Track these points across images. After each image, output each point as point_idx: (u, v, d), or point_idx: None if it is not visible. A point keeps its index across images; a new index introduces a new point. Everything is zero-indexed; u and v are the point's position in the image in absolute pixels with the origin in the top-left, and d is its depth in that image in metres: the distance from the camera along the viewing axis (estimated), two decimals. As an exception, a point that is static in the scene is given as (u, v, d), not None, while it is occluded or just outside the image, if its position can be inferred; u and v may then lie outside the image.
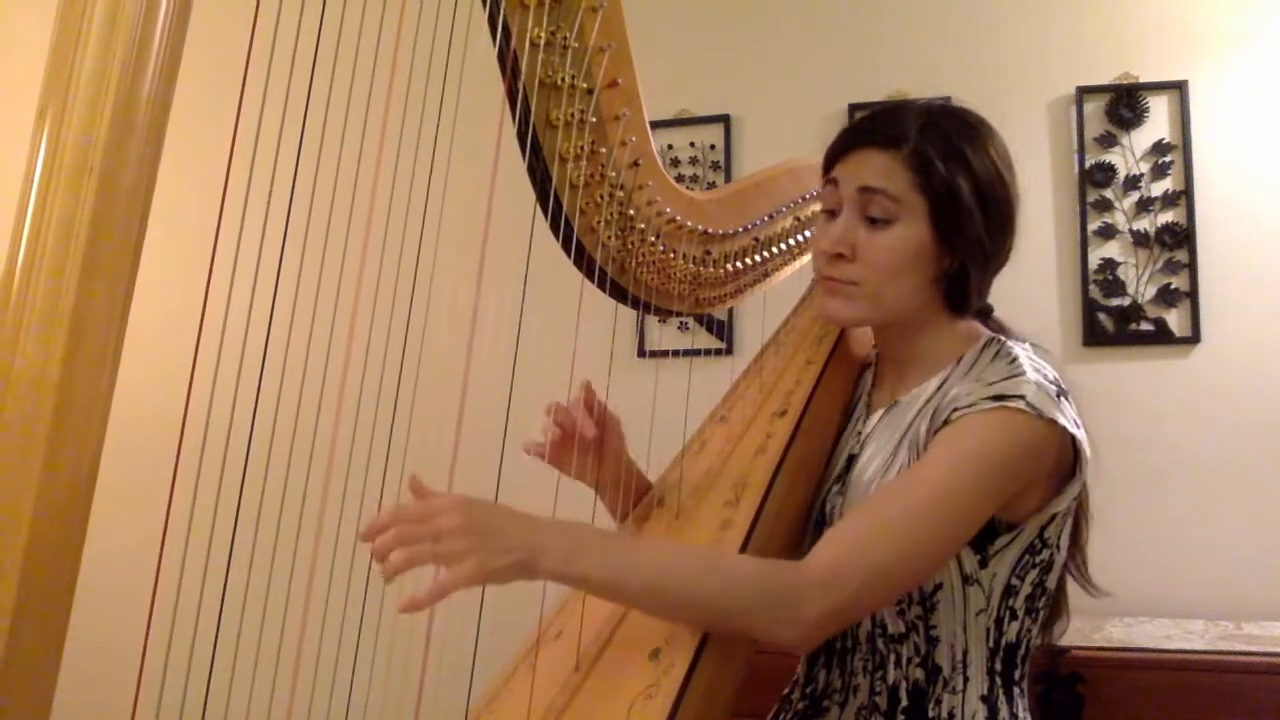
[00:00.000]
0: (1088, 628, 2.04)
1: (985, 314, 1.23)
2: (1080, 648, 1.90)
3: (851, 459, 1.20)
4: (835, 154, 1.17)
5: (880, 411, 1.20)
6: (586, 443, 1.22)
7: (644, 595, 0.96)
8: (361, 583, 0.92)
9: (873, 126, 1.16)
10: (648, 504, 1.28)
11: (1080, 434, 1.04)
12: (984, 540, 1.06)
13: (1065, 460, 1.05)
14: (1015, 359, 1.08)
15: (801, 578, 0.96)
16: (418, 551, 0.87)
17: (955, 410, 1.04)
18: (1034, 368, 1.06)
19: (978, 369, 1.11)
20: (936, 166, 1.10)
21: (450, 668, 1.02)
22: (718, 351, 2.56)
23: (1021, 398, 1.01)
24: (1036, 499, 1.06)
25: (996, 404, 1.02)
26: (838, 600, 0.95)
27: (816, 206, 1.42)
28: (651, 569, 0.96)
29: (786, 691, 1.25)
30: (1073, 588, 1.19)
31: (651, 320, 2.52)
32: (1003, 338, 1.14)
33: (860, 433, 1.22)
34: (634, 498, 1.29)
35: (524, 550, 0.90)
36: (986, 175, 1.12)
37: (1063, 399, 1.04)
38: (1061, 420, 1.01)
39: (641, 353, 2.59)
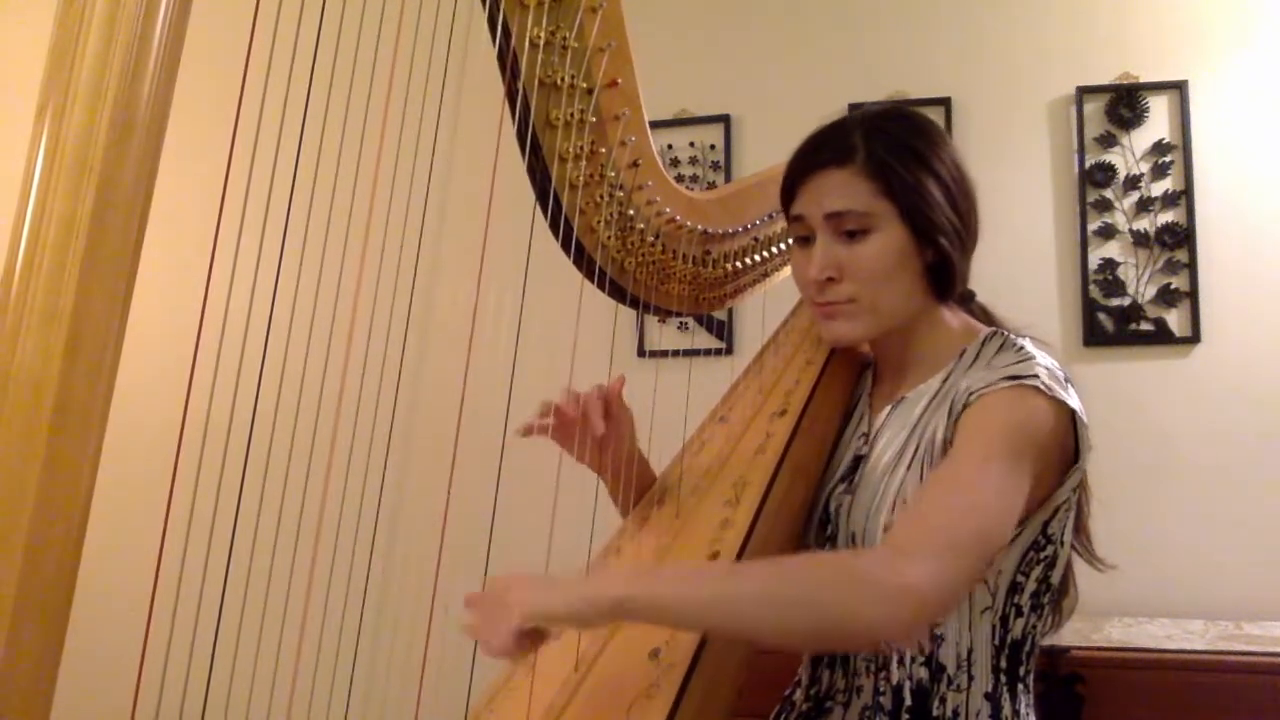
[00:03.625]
0: (1088, 628, 2.04)
1: (967, 299, 1.24)
2: (1080, 648, 1.90)
3: (858, 460, 1.20)
4: (791, 185, 1.17)
5: (887, 408, 1.20)
6: (591, 434, 1.21)
7: (714, 605, 0.88)
8: (361, 582, 0.92)
9: (819, 147, 1.16)
10: (647, 503, 1.28)
11: (1086, 419, 1.05)
12: None
13: (1069, 446, 1.06)
14: (1023, 347, 1.09)
15: (877, 554, 0.95)
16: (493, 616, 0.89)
17: (972, 394, 1.05)
18: (1041, 356, 1.08)
19: (984, 359, 1.12)
20: (894, 168, 1.11)
21: (450, 667, 1.02)
22: (717, 351, 2.56)
23: (1035, 377, 1.02)
24: (1043, 489, 1.06)
25: (1014, 383, 1.03)
26: (924, 567, 0.87)
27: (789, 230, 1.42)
28: (718, 582, 0.90)
29: (789, 692, 1.25)
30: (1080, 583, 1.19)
31: (651, 320, 2.52)
32: (1005, 331, 1.15)
33: (865, 433, 1.22)
34: (637, 490, 1.30)
35: (580, 588, 0.88)
36: (942, 164, 1.13)
37: (1069, 385, 1.06)
38: (1071, 403, 1.03)
39: (641, 352, 2.59)
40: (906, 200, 1.11)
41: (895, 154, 1.11)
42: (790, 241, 1.42)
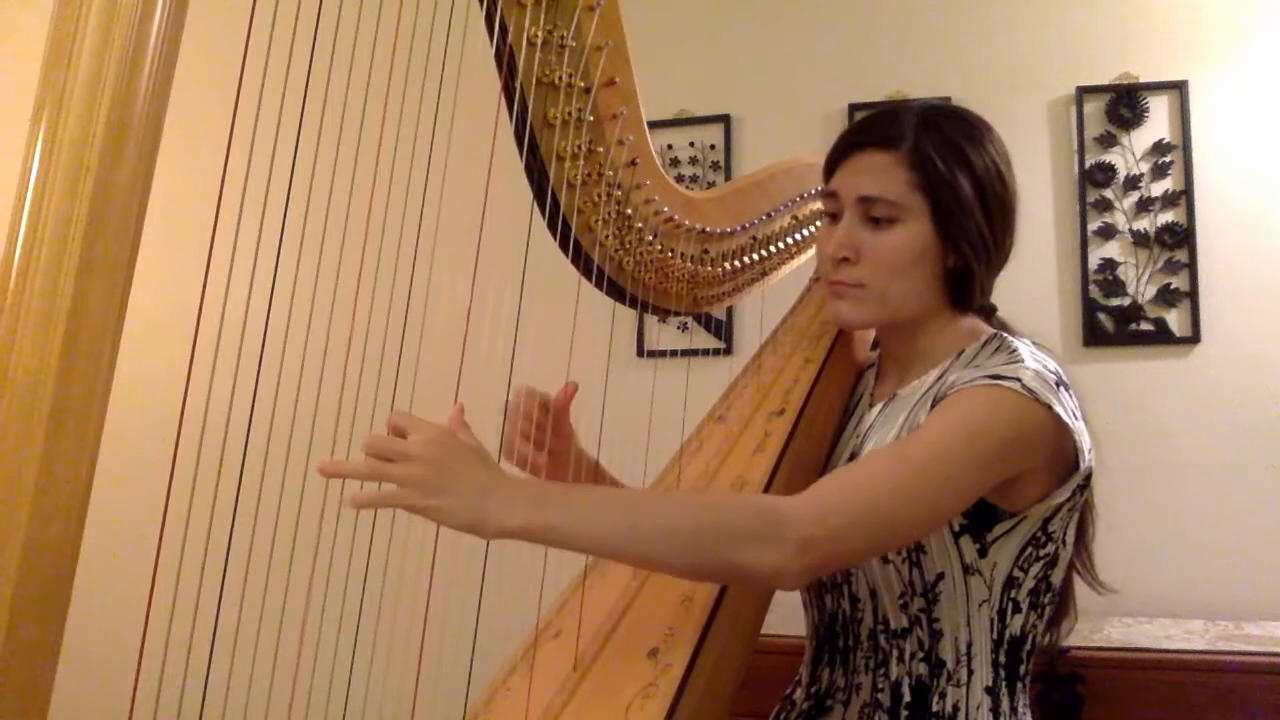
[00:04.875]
0: (1088, 628, 2.04)
1: (989, 313, 1.23)
2: (1080, 648, 1.90)
3: (853, 457, 1.20)
4: (835, 159, 1.18)
5: (879, 406, 1.20)
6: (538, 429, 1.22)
7: (618, 537, 0.92)
8: (359, 580, 0.93)
9: (870, 128, 1.17)
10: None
11: (1078, 425, 1.04)
12: (982, 528, 1.06)
13: (1066, 452, 1.05)
14: (1016, 351, 1.08)
15: (786, 504, 0.94)
16: (375, 466, 0.87)
17: (952, 388, 1.05)
18: (1035, 359, 1.06)
19: (979, 360, 1.11)
20: (935, 164, 1.10)
21: (448, 667, 1.02)
22: (717, 351, 2.56)
23: (1017, 379, 1.02)
24: (1036, 488, 1.06)
25: (991, 382, 1.02)
26: (827, 527, 0.92)
27: (815, 205, 1.42)
28: (624, 509, 0.94)
29: (788, 692, 1.25)
30: (1080, 583, 1.19)
31: (650, 320, 2.52)
32: (1005, 334, 1.15)
33: (859, 432, 1.22)
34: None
35: (472, 501, 0.87)
36: (985, 172, 1.12)
37: (1062, 390, 1.04)
38: (1057, 408, 1.01)
39: (641, 352, 2.59)
40: (939, 198, 1.10)
41: (940, 151, 1.11)
42: (791, 239, 1.43)
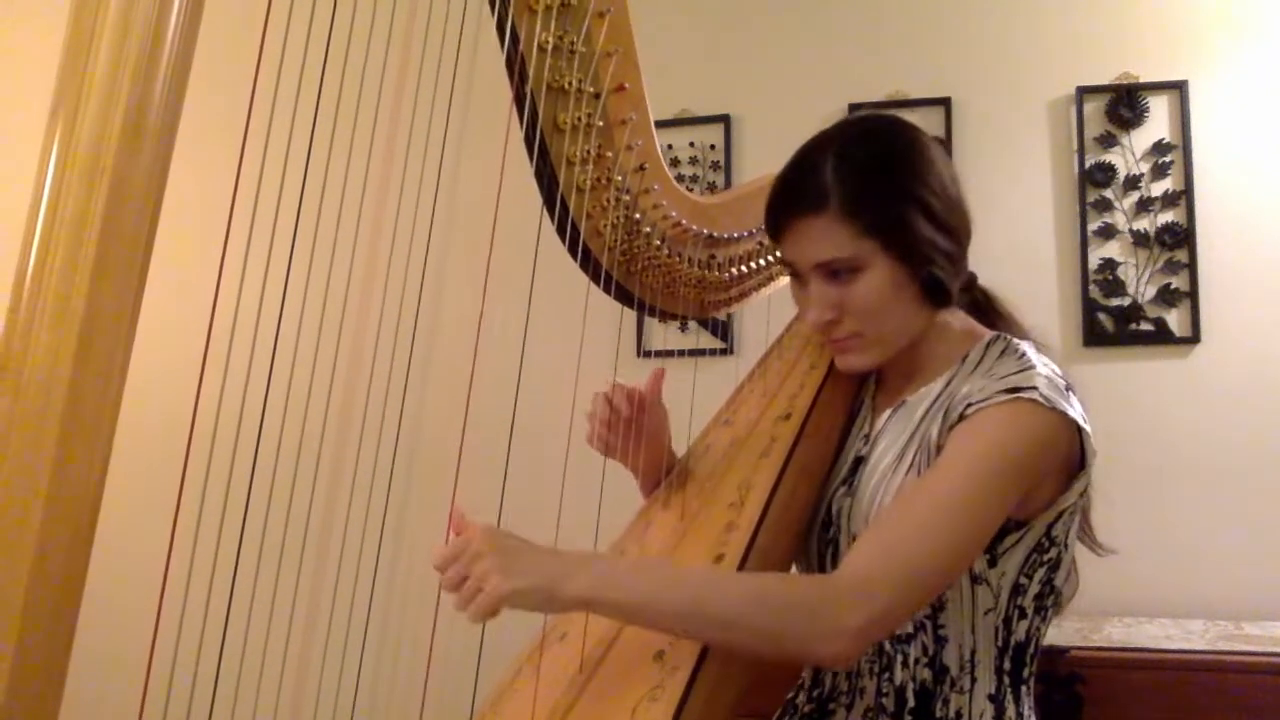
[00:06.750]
0: (1088, 628, 2.05)
1: (969, 285, 1.23)
2: (1080, 648, 1.90)
3: (859, 461, 1.20)
4: (774, 231, 1.17)
5: (888, 411, 1.20)
6: (625, 422, 1.26)
7: (678, 621, 0.95)
8: (367, 584, 0.93)
9: (794, 194, 1.14)
10: (652, 506, 1.28)
11: (1088, 428, 1.05)
12: (994, 539, 1.06)
13: (1073, 455, 1.06)
14: (1024, 354, 1.09)
15: (838, 588, 0.96)
16: (464, 588, 0.93)
17: (969, 405, 1.05)
18: (1043, 363, 1.07)
19: (985, 365, 1.12)
20: (870, 206, 1.09)
21: (455, 669, 1.03)
22: (719, 352, 2.56)
23: (1035, 388, 1.02)
24: (1046, 494, 1.06)
25: (1011, 396, 1.02)
26: (878, 606, 0.94)
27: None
28: (685, 594, 0.96)
29: (791, 695, 1.25)
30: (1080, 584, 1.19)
31: (651, 320, 2.52)
32: (1008, 336, 1.15)
33: (867, 435, 1.22)
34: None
35: (546, 575, 0.93)
36: (925, 189, 1.11)
37: (1070, 393, 1.05)
38: (1071, 413, 1.02)
39: (641, 353, 2.59)
40: (889, 235, 1.09)
41: (870, 188, 1.10)
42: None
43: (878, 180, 1.10)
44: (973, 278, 1.24)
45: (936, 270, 1.12)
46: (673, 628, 0.97)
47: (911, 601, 0.99)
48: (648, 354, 2.59)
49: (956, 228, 1.13)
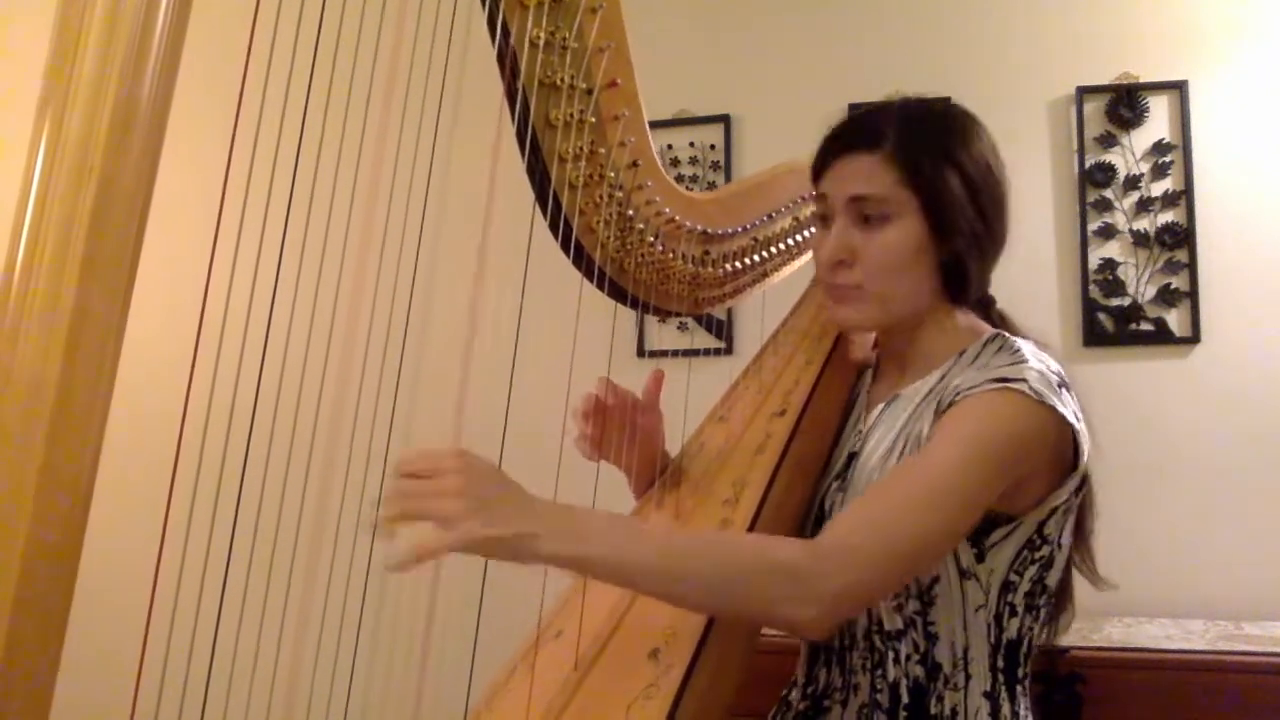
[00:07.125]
0: (1087, 628, 2.04)
1: (987, 305, 1.23)
2: (1080, 648, 1.90)
3: (852, 456, 1.20)
4: (820, 166, 1.18)
5: (881, 405, 1.20)
6: (618, 421, 1.25)
7: (648, 578, 0.92)
8: (361, 581, 0.92)
9: (851, 131, 1.17)
10: (647, 503, 1.28)
11: (1080, 426, 1.04)
12: (980, 533, 1.06)
13: (1065, 453, 1.05)
14: (1018, 350, 1.08)
15: (816, 552, 0.94)
16: (414, 506, 0.85)
17: (958, 394, 1.04)
18: (1037, 359, 1.06)
19: (981, 360, 1.11)
20: (920, 160, 1.11)
21: (450, 667, 1.02)
22: (717, 351, 2.56)
23: (1024, 380, 1.02)
24: (1036, 491, 1.06)
25: (999, 385, 1.02)
26: (856, 576, 0.93)
27: (815, 207, 1.42)
28: (657, 550, 0.93)
29: (785, 693, 1.25)
30: (1079, 585, 1.19)
31: (651, 320, 2.52)
32: (1006, 334, 1.15)
33: (860, 430, 1.22)
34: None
35: (520, 527, 0.86)
36: (971, 165, 1.12)
37: (1064, 390, 1.04)
38: (1061, 409, 1.02)
39: (641, 353, 2.59)
40: (928, 193, 1.10)
41: (924, 146, 1.11)
42: (792, 241, 1.43)
43: (933, 144, 1.12)
44: (991, 299, 1.24)
45: (961, 251, 1.12)
46: (652, 589, 0.93)
47: (889, 576, 0.98)
48: (647, 354, 2.59)
49: (992, 220, 1.14)
